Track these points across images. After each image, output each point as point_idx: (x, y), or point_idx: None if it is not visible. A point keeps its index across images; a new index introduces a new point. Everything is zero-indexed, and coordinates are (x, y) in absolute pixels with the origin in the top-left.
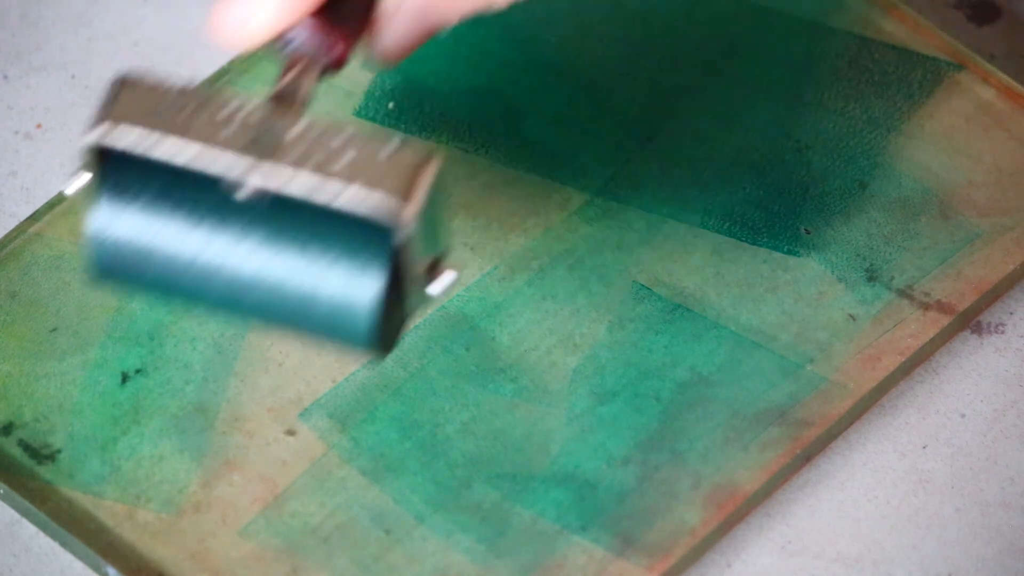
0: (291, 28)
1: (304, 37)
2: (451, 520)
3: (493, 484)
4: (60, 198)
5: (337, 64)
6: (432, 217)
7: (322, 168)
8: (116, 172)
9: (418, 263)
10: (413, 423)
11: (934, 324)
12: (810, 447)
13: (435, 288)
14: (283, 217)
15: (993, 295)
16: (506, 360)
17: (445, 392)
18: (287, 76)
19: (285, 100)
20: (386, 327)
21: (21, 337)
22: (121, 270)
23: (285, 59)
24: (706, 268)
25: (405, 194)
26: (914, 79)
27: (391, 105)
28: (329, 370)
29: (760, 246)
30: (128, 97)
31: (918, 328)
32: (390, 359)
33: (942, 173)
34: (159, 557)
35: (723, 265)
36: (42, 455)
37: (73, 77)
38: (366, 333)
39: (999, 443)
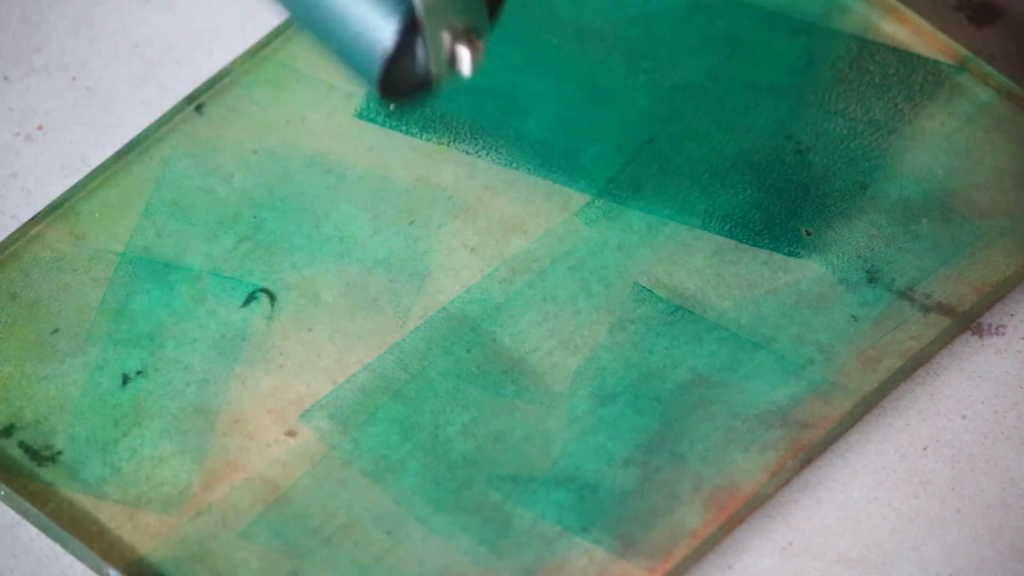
0: None
1: None
2: (452, 521)
3: (494, 485)
4: (61, 200)
5: None
6: None
7: None
8: None
9: (442, 19)
10: (414, 424)
11: (935, 326)
12: (811, 449)
13: (458, 60)
14: None
15: (994, 297)
16: (507, 362)
17: (446, 394)
18: None
19: None
20: (397, 73)
21: (22, 339)
22: None
23: None
24: (707, 270)
25: None
26: (915, 81)
27: (392, 106)
28: (330, 372)
29: (761, 248)
30: None
31: (919, 330)
32: (390, 360)
33: (943, 175)
34: (160, 559)
35: (724, 267)
36: (43, 456)
37: (74, 79)
38: (373, 70)
39: (1000, 445)
